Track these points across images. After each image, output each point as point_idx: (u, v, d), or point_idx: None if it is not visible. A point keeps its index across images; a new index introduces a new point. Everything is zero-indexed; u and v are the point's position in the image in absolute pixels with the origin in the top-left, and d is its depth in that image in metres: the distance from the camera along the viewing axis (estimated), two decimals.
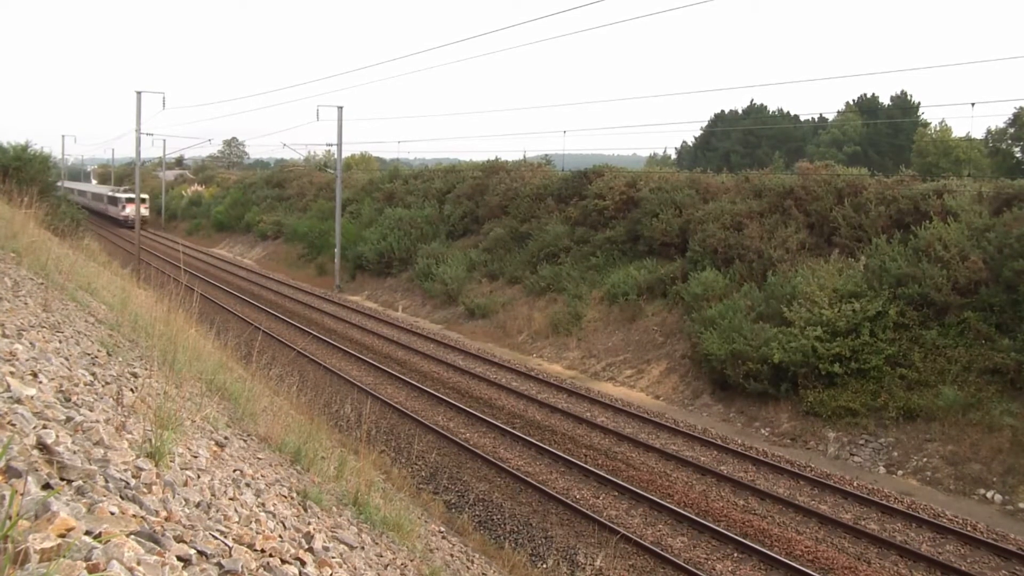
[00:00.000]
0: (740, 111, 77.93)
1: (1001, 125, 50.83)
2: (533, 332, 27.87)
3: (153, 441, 4.18)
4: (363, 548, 6.03)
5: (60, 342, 6.24)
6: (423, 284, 34.93)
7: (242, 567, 2.96)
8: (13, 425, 3.27)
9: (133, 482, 3.36)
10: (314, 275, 43.64)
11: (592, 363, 24.75)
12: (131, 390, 5.84)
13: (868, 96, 69.33)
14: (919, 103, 66.87)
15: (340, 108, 40.19)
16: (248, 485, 5.25)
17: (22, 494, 2.52)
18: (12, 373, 4.25)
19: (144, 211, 68.03)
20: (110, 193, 77.91)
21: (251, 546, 3.51)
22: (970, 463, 15.81)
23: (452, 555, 9.97)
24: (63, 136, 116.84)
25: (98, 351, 6.90)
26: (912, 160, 52.48)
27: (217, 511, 3.94)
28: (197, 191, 79.97)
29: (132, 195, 70.49)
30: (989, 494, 15.07)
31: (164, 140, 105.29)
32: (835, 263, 21.19)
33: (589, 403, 20.60)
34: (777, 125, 70.68)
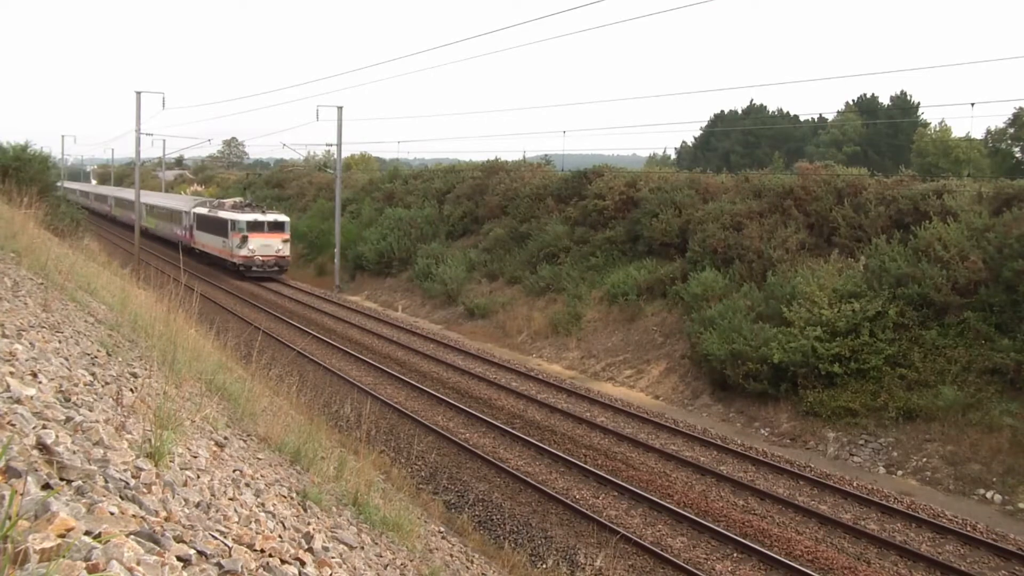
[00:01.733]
0: (740, 111, 77.95)
1: (1001, 125, 50.91)
2: (533, 332, 27.87)
3: (153, 441, 4.19)
4: (363, 548, 6.03)
5: (60, 342, 6.24)
6: (423, 284, 34.93)
7: (242, 567, 2.96)
8: (13, 425, 3.27)
9: (133, 482, 3.36)
10: (314, 275, 43.62)
11: (592, 363, 24.74)
12: (131, 390, 5.85)
13: (868, 96, 69.35)
14: (919, 103, 66.98)
15: (340, 108, 40.16)
16: (248, 485, 5.26)
17: (22, 494, 2.52)
18: (12, 373, 4.25)
19: (281, 245, 40.47)
20: (209, 212, 44.01)
21: (251, 546, 3.51)
22: (970, 463, 15.81)
23: (452, 555, 9.96)
24: (63, 136, 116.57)
25: (98, 351, 6.91)
26: (912, 160, 52.48)
27: (217, 511, 3.95)
28: (197, 191, 79.93)
29: (259, 216, 40.76)
30: (989, 494, 15.07)
31: (164, 140, 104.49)
32: (835, 263, 21.18)
33: (589, 403, 20.60)
34: (777, 125, 70.70)
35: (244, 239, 39.25)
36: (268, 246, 39.90)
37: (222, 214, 41.93)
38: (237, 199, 47.11)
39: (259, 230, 39.87)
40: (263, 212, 41.71)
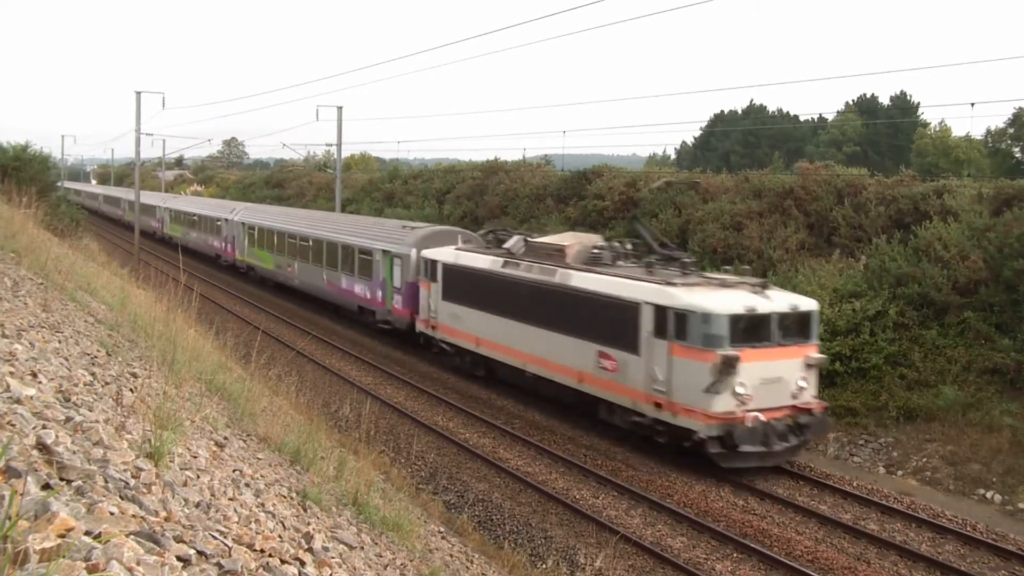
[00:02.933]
0: (740, 111, 77.89)
1: (1001, 125, 50.86)
2: None
3: (153, 441, 4.18)
4: (362, 548, 6.03)
5: (60, 342, 6.24)
6: None
7: (241, 567, 2.96)
8: (13, 425, 3.27)
9: (133, 482, 3.36)
10: None
11: None
12: (131, 390, 5.85)
13: (868, 96, 69.28)
14: (919, 103, 66.89)
15: (340, 108, 40.06)
16: (248, 485, 5.26)
17: (22, 494, 2.52)
18: (12, 373, 4.25)
19: (806, 374, 15.09)
20: (506, 268, 19.46)
21: (251, 546, 3.51)
22: (970, 463, 15.81)
23: (452, 555, 9.96)
24: (63, 136, 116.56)
25: (98, 351, 6.91)
26: (912, 160, 52.45)
27: (217, 511, 3.95)
28: (197, 191, 79.92)
29: (758, 300, 15.05)
30: (989, 494, 15.08)
31: (164, 140, 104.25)
32: (835, 263, 21.19)
33: None
34: (777, 125, 70.65)
35: (728, 364, 14.62)
36: (780, 383, 15.37)
37: (582, 281, 17.70)
38: (590, 241, 20.38)
39: (761, 338, 15.27)
40: (759, 288, 15.89)
